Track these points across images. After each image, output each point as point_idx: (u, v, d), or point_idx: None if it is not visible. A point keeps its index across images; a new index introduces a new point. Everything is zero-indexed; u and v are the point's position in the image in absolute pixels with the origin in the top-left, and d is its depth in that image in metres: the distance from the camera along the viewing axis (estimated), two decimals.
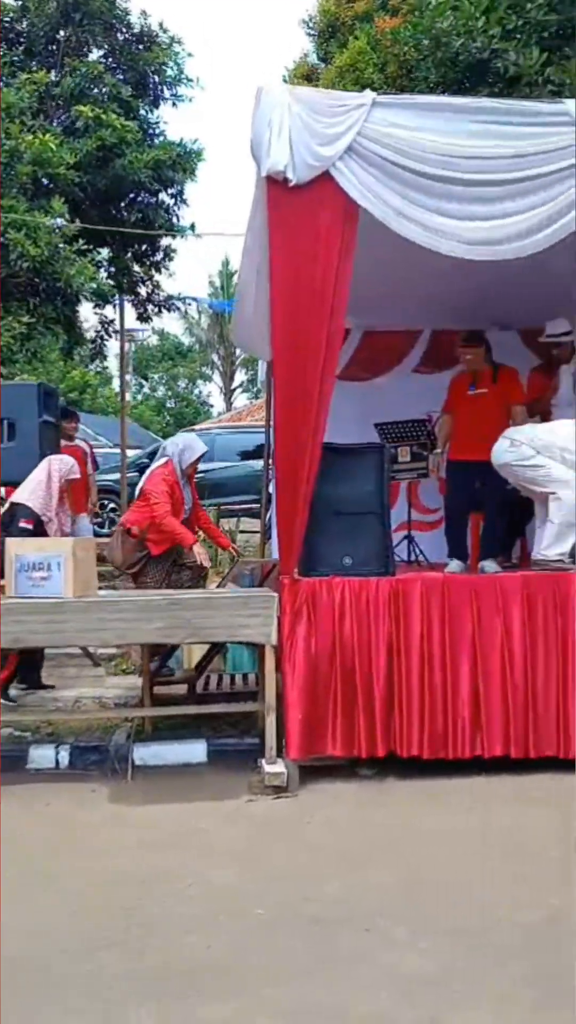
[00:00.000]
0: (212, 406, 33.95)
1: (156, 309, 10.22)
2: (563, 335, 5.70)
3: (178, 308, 10.53)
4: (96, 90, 9.07)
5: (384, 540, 4.43)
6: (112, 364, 19.22)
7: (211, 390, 35.52)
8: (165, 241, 9.74)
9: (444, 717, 4.21)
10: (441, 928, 2.78)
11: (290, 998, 2.42)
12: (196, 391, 35.28)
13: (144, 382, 33.89)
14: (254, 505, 8.69)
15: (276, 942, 2.73)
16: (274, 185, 4.13)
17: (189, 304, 10.47)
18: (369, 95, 4.22)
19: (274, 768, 4.03)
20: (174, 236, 9.58)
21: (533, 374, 5.95)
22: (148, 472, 5.32)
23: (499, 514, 5.37)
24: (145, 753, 4.45)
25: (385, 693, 4.18)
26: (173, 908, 2.95)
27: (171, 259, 9.93)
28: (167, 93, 9.66)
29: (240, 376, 33.13)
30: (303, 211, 4.14)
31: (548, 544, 4.57)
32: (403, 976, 2.51)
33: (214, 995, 2.43)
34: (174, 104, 9.68)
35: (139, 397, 32.16)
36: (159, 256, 9.95)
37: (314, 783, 4.16)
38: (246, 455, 10.79)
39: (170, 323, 31.10)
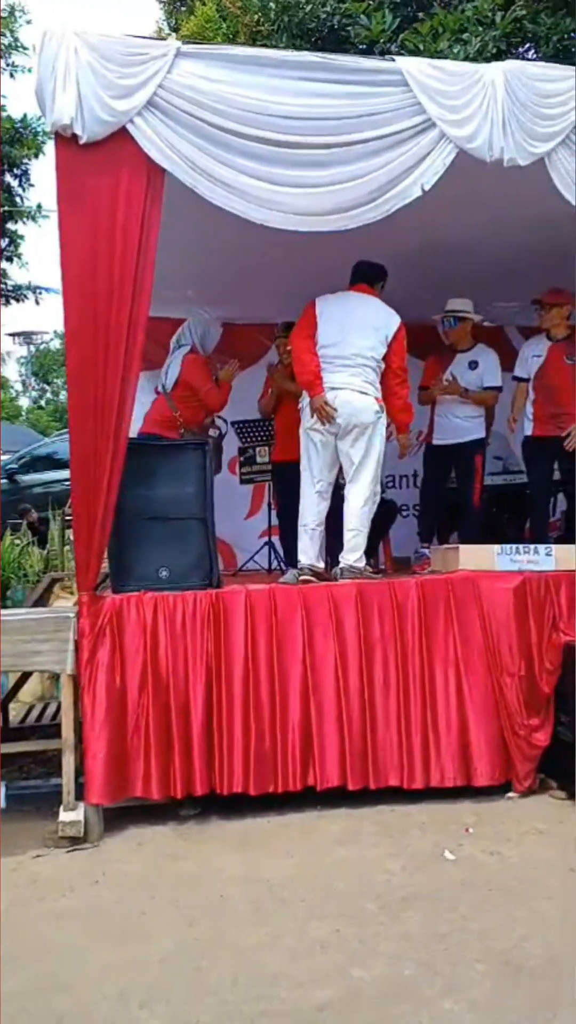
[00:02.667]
0: None
1: (4, 300, 9.48)
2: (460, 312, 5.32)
3: (27, 298, 9.80)
4: None
5: (207, 548, 3.93)
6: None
7: None
8: (11, 226, 9.00)
9: (272, 748, 3.72)
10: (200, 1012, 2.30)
11: None
12: None
13: (47, 386, 32.65)
14: None
15: None
16: (62, 143, 3.58)
17: (41, 294, 9.80)
18: (174, 43, 3.72)
19: (70, 816, 3.48)
20: (15, 220, 8.86)
21: (432, 359, 5.57)
22: (179, 363, 4.93)
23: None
24: None
25: (204, 724, 3.67)
26: None
27: (17, 245, 9.19)
28: (3, 63, 8.88)
29: None
30: (96, 173, 3.60)
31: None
32: None
33: None
34: (11, 75, 8.92)
35: (42, 403, 30.95)
36: (4, 242, 9.19)
37: (125, 828, 3.62)
38: None
39: None
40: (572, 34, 5.57)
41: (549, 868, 3.16)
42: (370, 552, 5.81)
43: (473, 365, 5.29)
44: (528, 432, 5.26)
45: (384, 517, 5.83)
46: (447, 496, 5.62)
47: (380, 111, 3.85)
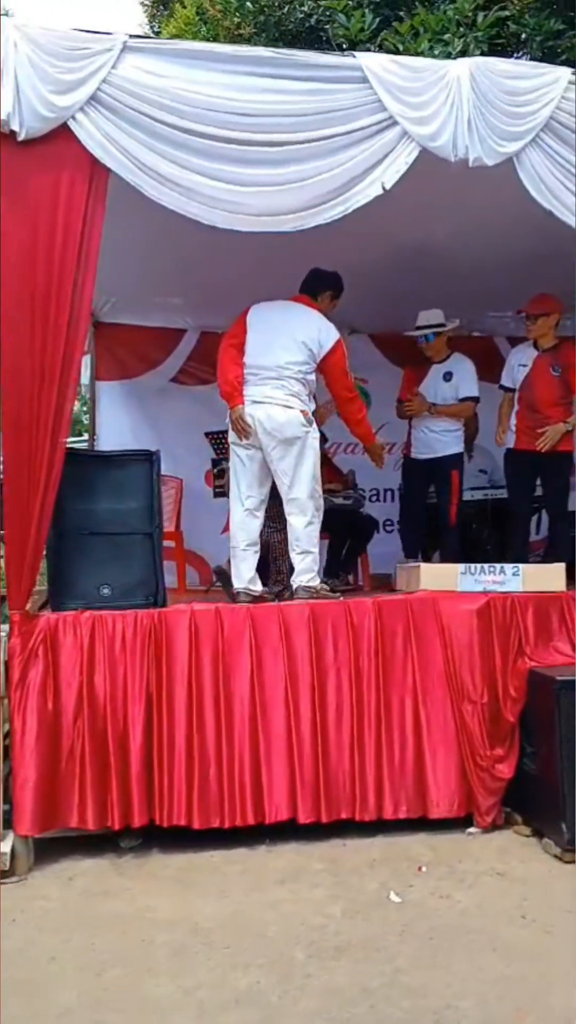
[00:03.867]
0: None
1: None
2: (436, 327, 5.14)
3: None
4: None
5: (153, 565, 3.73)
6: None
7: None
8: None
9: (218, 779, 3.52)
10: None
11: None
12: None
13: None
14: None
15: None
16: (1, 139, 3.43)
17: None
18: (120, 36, 3.55)
19: None
20: None
21: (407, 371, 5.39)
22: None
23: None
24: None
25: (143, 752, 3.46)
26: None
27: None
28: None
29: None
30: (37, 171, 3.44)
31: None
32: None
33: None
34: None
35: None
36: None
37: (59, 860, 3.43)
38: None
39: None
40: (558, 35, 5.38)
41: (500, 916, 2.93)
42: (348, 568, 5.65)
43: (448, 376, 5.10)
44: (510, 445, 5.05)
45: (362, 532, 5.65)
46: (429, 511, 5.42)
47: (339, 108, 3.68)
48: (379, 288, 5.36)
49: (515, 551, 4.91)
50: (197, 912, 2.99)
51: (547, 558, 4.85)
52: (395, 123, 3.69)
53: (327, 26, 5.45)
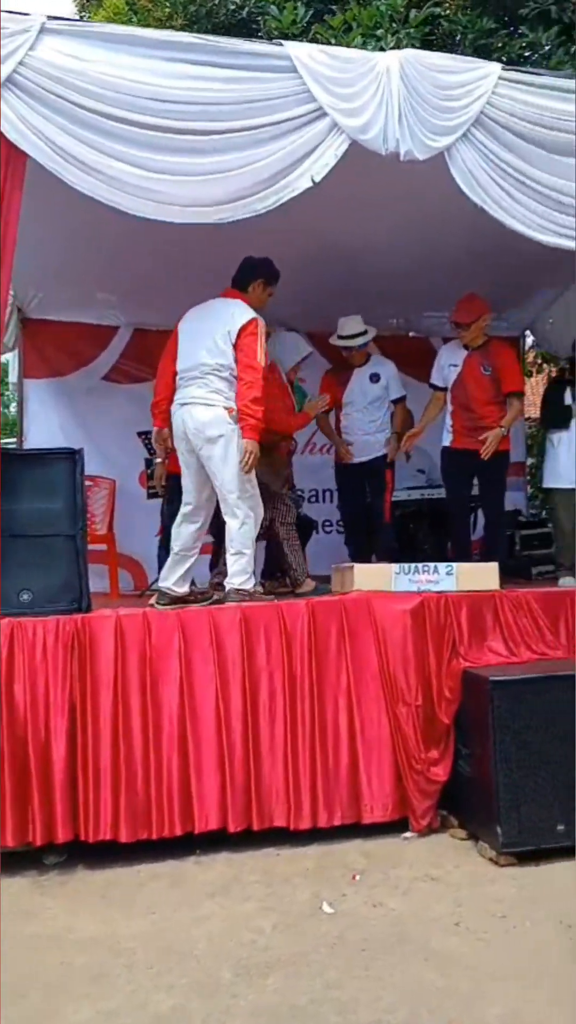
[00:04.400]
0: None
1: None
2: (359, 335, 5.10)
3: None
4: None
5: (77, 569, 3.58)
6: None
7: None
8: None
9: (145, 790, 3.38)
10: None
11: None
12: None
13: None
14: None
15: None
16: None
17: None
18: (38, 18, 3.41)
19: None
20: None
21: (328, 377, 5.32)
22: None
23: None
24: None
25: (67, 764, 3.31)
26: None
27: None
28: None
29: None
30: None
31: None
32: None
33: None
34: None
35: None
36: None
37: None
38: None
39: None
40: (490, 33, 5.38)
41: (433, 923, 2.86)
42: (286, 570, 5.55)
43: (375, 378, 5.06)
44: (447, 443, 5.02)
45: (300, 533, 5.57)
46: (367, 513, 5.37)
47: (266, 97, 3.60)
48: (314, 285, 5.29)
49: (459, 550, 4.88)
50: (120, 931, 2.86)
51: (485, 558, 4.83)
52: (324, 114, 3.63)
53: (259, 19, 5.36)
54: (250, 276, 4.25)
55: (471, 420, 4.87)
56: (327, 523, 6.48)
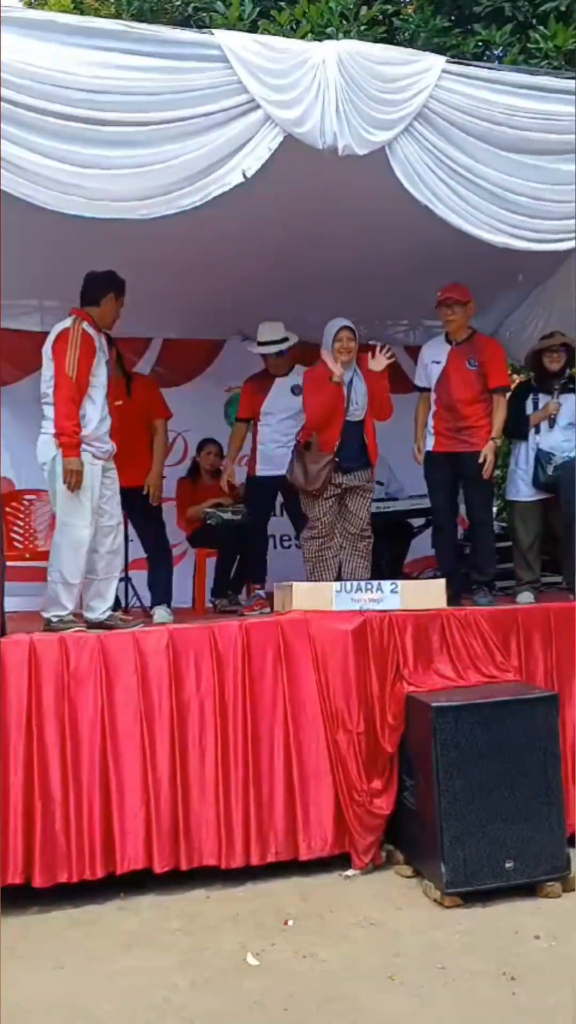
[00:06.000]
0: None
1: None
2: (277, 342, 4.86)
3: None
4: None
5: None
6: None
7: None
8: None
9: (64, 829, 3.12)
10: None
11: None
12: None
13: None
14: None
15: None
16: None
17: None
18: None
19: None
20: None
21: (248, 386, 5.06)
22: None
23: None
24: None
25: None
26: None
27: None
28: None
29: None
30: None
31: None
32: None
33: None
34: None
35: None
36: None
37: None
38: None
39: None
40: (444, 32, 5.22)
41: (366, 977, 2.63)
42: (237, 588, 5.31)
43: (296, 390, 4.76)
44: (429, 447, 4.69)
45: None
46: None
47: (196, 88, 3.38)
48: (266, 292, 5.08)
49: (445, 564, 4.56)
50: (22, 991, 2.60)
51: (471, 568, 4.55)
52: (257, 106, 3.42)
53: (205, 16, 5.17)
54: (99, 292, 3.96)
55: (454, 421, 4.49)
56: (284, 538, 6.25)
